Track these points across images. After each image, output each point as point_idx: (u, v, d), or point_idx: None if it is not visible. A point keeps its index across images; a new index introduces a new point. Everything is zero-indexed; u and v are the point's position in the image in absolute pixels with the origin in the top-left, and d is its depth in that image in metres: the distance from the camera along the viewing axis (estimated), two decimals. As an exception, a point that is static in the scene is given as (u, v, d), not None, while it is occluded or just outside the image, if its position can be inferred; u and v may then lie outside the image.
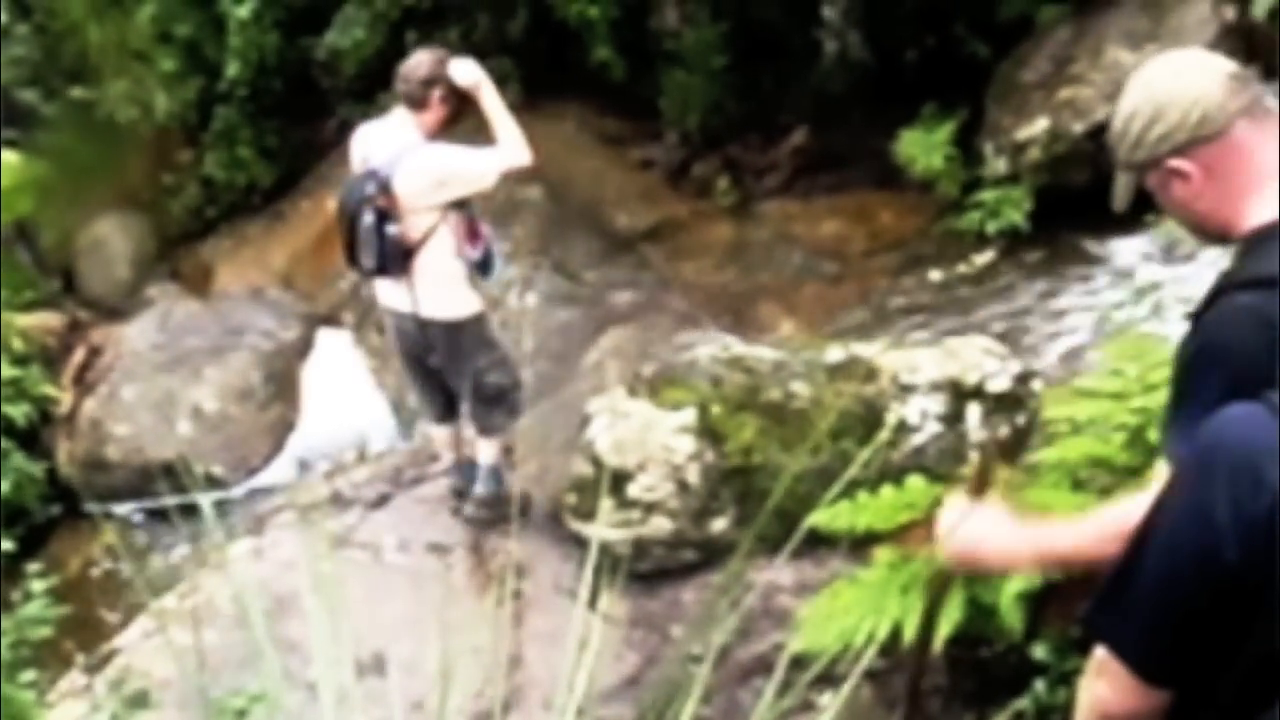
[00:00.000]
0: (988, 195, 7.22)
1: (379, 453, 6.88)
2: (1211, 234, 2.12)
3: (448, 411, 5.35)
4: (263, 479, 7.55)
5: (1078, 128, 7.07)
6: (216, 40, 9.56)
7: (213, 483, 7.36)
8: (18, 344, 7.77)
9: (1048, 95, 7.28)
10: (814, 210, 7.74)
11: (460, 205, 4.95)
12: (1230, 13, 7.10)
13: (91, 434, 7.77)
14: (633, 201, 8.53)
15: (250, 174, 9.92)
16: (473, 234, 4.99)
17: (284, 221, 9.75)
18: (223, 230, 9.99)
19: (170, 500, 7.43)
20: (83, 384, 8.10)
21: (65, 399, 7.99)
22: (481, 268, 5.02)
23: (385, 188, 4.75)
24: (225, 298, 9.02)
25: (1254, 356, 1.81)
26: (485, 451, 5.31)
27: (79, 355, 8.29)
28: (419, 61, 4.94)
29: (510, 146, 4.95)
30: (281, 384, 8.04)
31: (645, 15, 8.71)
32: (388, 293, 5.01)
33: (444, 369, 5.10)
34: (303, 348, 8.39)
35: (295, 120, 9.95)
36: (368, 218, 4.73)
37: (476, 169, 4.88)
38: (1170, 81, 2.06)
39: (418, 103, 4.87)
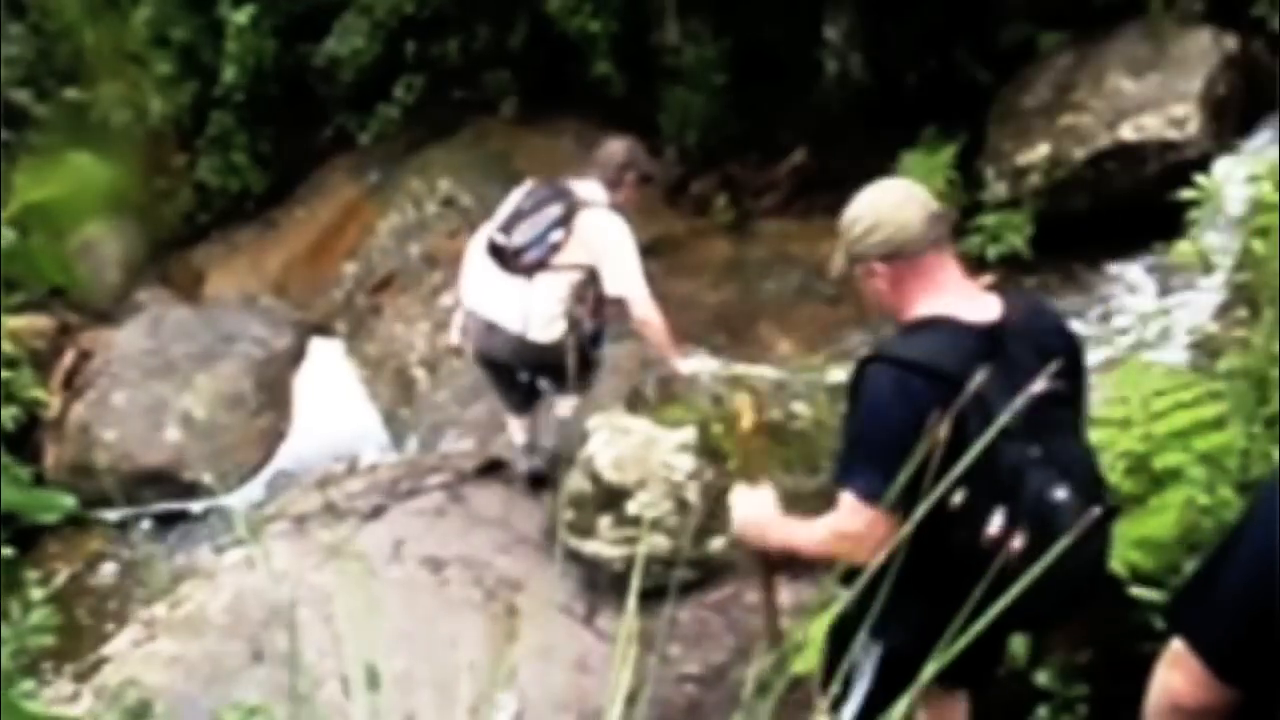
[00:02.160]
0: (988, 219, 7.21)
1: (373, 464, 6.83)
2: (885, 314, 2.88)
3: (526, 404, 5.59)
4: (252, 488, 7.49)
5: (1079, 154, 7.08)
6: (213, 45, 9.53)
7: (202, 491, 7.30)
8: (7, 346, 7.69)
9: (1049, 121, 7.28)
10: (812, 230, 7.70)
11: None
12: (1231, 43, 7.12)
13: (80, 439, 7.70)
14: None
15: (244, 180, 9.88)
16: (597, 309, 5.24)
17: (277, 229, 9.71)
18: (215, 236, 9.94)
19: (159, 507, 7.38)
20: (72, 388, 8.03)
21: (54, 403, 7.92)
22: (593, 339, 5.33)
23: (575, 208, 5.07)
24: (217, 304, 8.97)
25: (902, 422, 2.42)
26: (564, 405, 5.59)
27: (68, 359, 8.22)
28: (614, 150, 5.33)
29: (647, 302, 5.13)
30: (273, 392, 7.98)
31: (646, 31, 8.70)
32: (494, 308, 5.17)
33: (540, 384, 5.47)
34: (294, 356, 8.33)
35: (291, 127, 9.91)
36: (553, 209, 5.07)
37: (622, 274, 5.08)
38: (891, 207, 2.76)
39: (612, 185, 5.24)
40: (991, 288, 2.87)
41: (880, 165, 7.61)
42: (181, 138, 9.94)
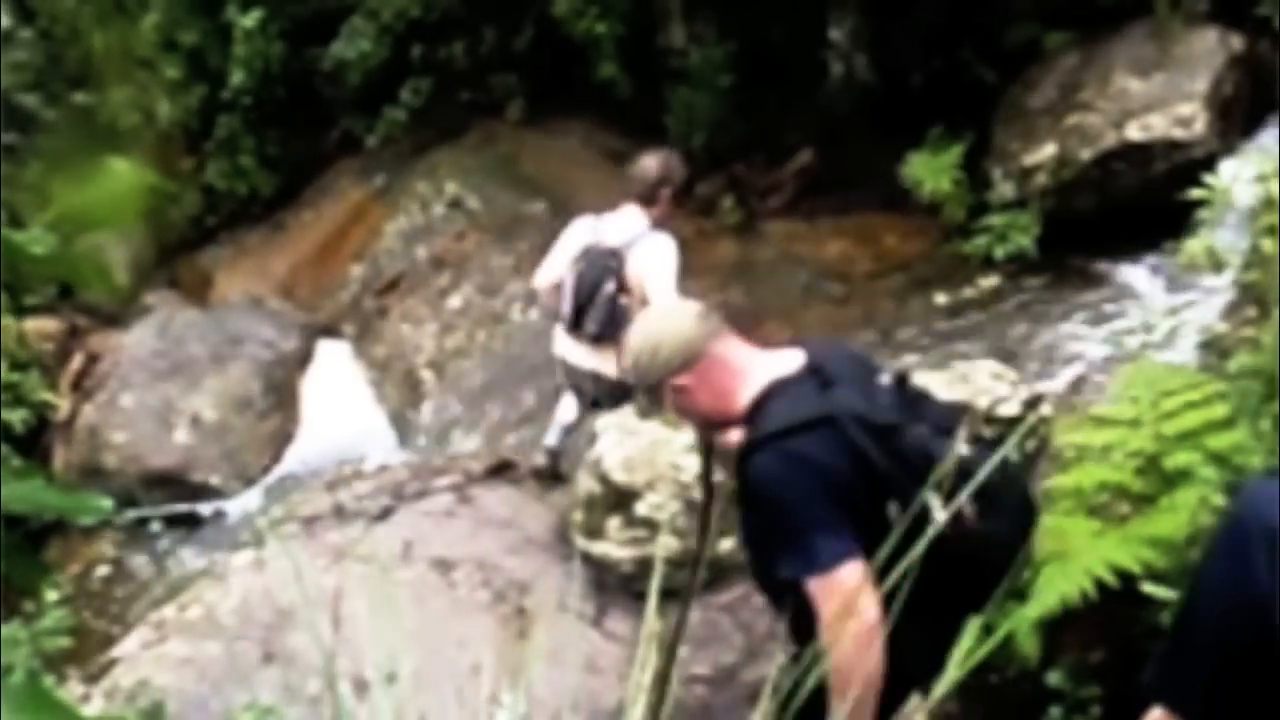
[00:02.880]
0: (995, 220, 7.21)
1: (381, 465, 6.84)
2: (718, 423, 2.89)
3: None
4: (262, 489, 7.51)
5: (1085, 154, 7.08)
6: (221, 49, 9.56)
7: (210, 492, 7.32)
8: (16, 349, 7.72)
9: (1055, 121, 7.29)
10: (819, 231, 7.73)
11: None
12: (1237, 42, 7.12)
13: (89, 441, 7.72)
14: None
15: (251, 183, 9.91)
16: None
17: (284, 231, 9.74)
18: (223, 239, 9.97)
19: (168, 509, 7.40)
20: (81, 390, 8.05)
21: (63, 405, 7.94)
22: None
23: (622, 264, 5.21)
24: (225, 307, 8.99)
25: (810, 488, 2.57)
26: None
27: (77, 362, 8.24)
28: (649, 165, 5.36)
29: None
30: (281, 394, 8.00)
31: (652, 33, 8.72)
32: (591, 359, 5.37)
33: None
34: (302, 358, 8.35)
35: (298, 130, 9.94)
36: (609, 287, 5.21)
37: (654, 291, 5.17)
38: (660, 326, 2.87)
39: (648, 200, 5.30)
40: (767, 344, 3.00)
41: (886, 166, 7.65)
42: (189, 141, 9.98)
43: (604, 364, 5.31)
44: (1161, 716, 1.99)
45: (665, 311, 3.02)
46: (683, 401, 2.87)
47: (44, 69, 9.82)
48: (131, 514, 7.25)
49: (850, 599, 2.51)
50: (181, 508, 7.44)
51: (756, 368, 2.83)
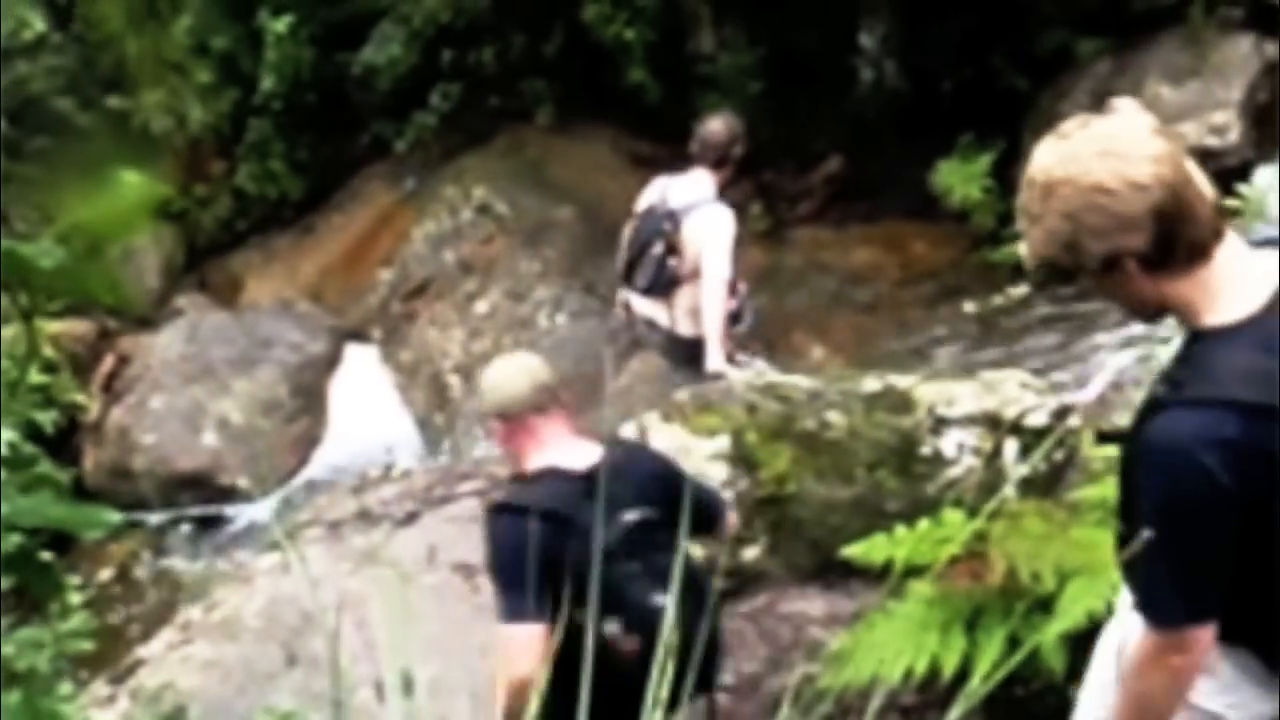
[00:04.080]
0: (1025, 228, 7.17)
1: (406, 469, 6.85)
2: (513, 464, 3.49)
3: None
4: (288, 492, 7.54)
5: (1117, 162, 7.03)
6: (252, 53, 9.61)
7: (238, 495, 7.35)
8: (47, 351, 7.78)
9: (1087, 129, 7.24)
10: (847, 238, 7.71)
11: None
12: (1272, 50, 7.07)
13: (118, 442, 7.77)
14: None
15: (282, 187, 9.95)
16: (730, 289, 5.61)
17: (314, 235, 9.78)
18: (253, 243, 10.01)
19: (196, 511, 7.44)
20: (111, 392, 8.11)
21: (93, 407, 8.00)
22: (733, 318, 5.69)
23: (677, 228, 5.47)
24: (254, 310, 9.03)
25: (513, 560, 3.07)
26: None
27: (107, 364, 8.30)
28: (717, 129, 5.62)
29: (716, 288, 5.53)
30: (308, 398, 8.03)
31: (682, 39, 8.72)
32: (647, 307, 5.74)
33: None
34: (330, 362, 8.38)
35: (328, 135, 9.98)
36: (657, 248, 5.51)
37: (718, 261, 5.48)
38: (508, 373, 3.40)
39: (718, 166, 5.57)
40: (594, 440, 3.46)
41: (915, 173, 7.62)
42: (220, 145, 10.03)
43: (657, 313, 5.70)
44: (1190, 634, 2.00)
45: (522, 365, 3.48)
46: (495, 437, 3.56)
47: (77, 73, 9.90)
48: (155, 518, 7.29)
49: (512, 652, 3.09)
50: (209, 510, 7.48)
51: (551, 449, 3.33)
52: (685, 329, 5.66)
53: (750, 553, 4.82)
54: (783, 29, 8.46)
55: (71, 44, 9.87)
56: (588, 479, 3.22)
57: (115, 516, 1.12)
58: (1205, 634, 2.00)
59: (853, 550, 4.07)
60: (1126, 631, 2.22)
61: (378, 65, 9.30)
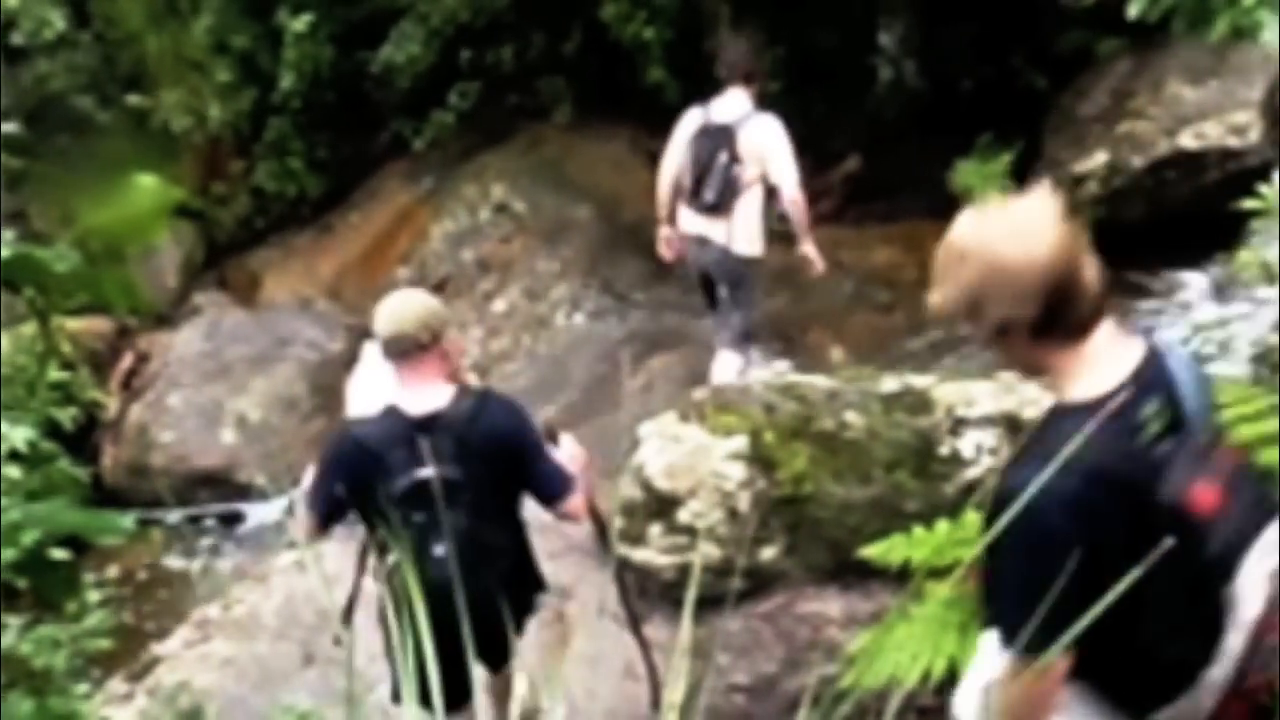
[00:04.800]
0: (1044, 228, 7.14)
1: (424, 468, 6.85)
2: None
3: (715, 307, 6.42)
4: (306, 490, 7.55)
5: (1137, 162, 6.99)
6: (271, 52, 9.63)
7: (256, 493, 7.37)
8: (66, 348, 7.81)
9: (1106, 128, 7.20)
10: (865, 238, 7.68)
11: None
12: (1295, 50, 7.00)
13: (137, 440, 7.80)
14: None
15: (300, 185, 9.98)
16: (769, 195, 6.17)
17: (332, 233, 9.80)
18: (271, 241, 10.04)
19: (214, 509, 7.46)
20: (130, 390, 8.14)
21: (112, 404, 8.03)
22: (781, 217, 6.27)
23: (734, 139, 5.93)
24: (272, 308, 9.06)
25: (335, 475, 3.65)
26: (730, 363, 6.30)
27: (127, 361, 8.34)
28: (738, 49, 6.25)
29: (797, 188, 6.05)
30: (326, 395, 8.03)
31: (700, 38, 8.69)
32: (703, 225, 6.11)
33: (725, 296, 6.28)
34: (348, 360, 8.32)
35: (347, 133, 10.00)
36: (723, 158, 5.94)
37: (787, 167, 6.00)
38: (386, 311, 3.68)
39: (749, 79, 6.06)
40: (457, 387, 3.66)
41: (934, 173, 7.59)
42: (240, 144, 10.05)
43: (714, 231, 6.06)
44: (1053, 664, 2.15)
45: (400, 306, 3.71)
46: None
47: (98, 71, 9.94)
48: (172, 516, 7.31)
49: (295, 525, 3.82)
50: (227, 508, 7.50)
51: (403, 391, 3.60)
52: (741, 247, 6.08)
53: (768, 553, 4.82)
54: (801, 28, 8.44)
55: (92, 42, 9.91)
56: (416, 425, 3.50)
57: (128, 522, 1.12)
58: (1061, 662, 2.19)
59: (871, 551, 4.06)
60: (989, 670, 2.42)
61: (397, 64, 9.31)
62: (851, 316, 7.33)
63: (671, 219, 6.29)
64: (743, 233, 6.07)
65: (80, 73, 9.93)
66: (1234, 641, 2.26)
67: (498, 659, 3.89)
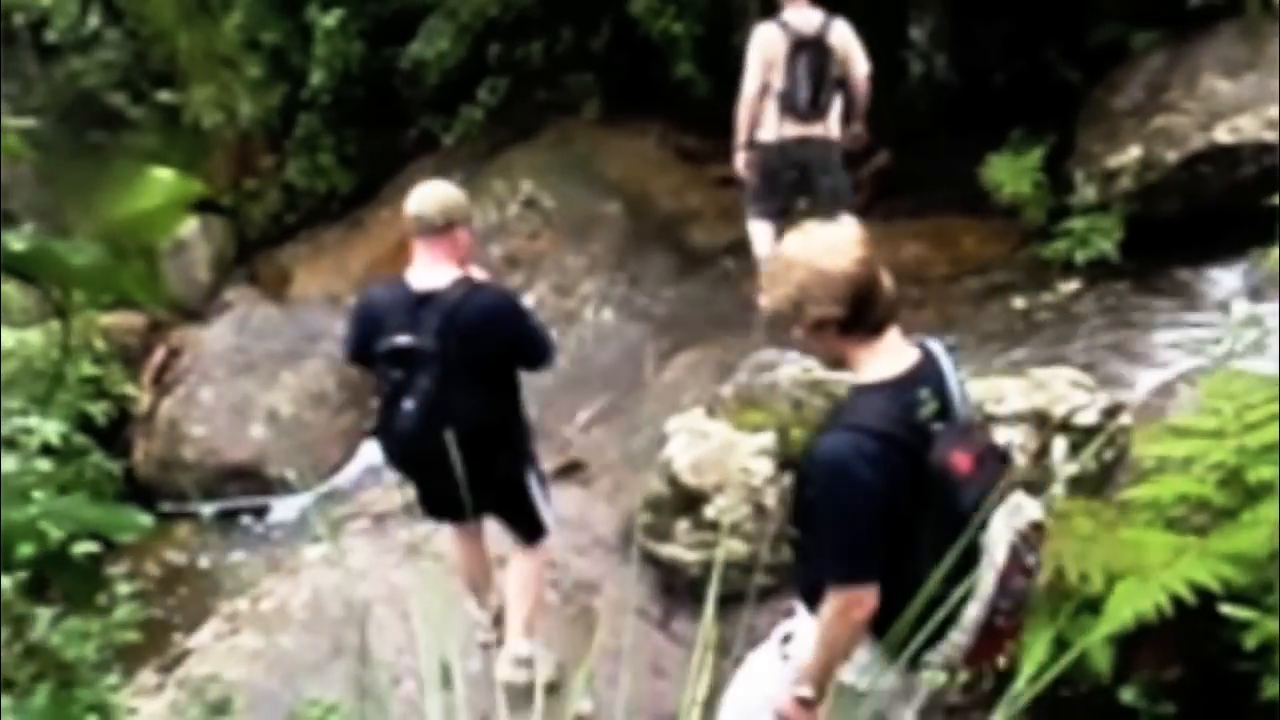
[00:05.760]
0: (1077, 223, 7.06)
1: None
2: None
3: (781, 215, 6.79)
4: (335, 485, 7.59)
5: (1171, 156, 6.92)
6: (302, 48, 9.66)
7: (285, 487, 7.41)
8: (99, 343, 7.88)
9: (1140, 123, 7.12)
10: (895, 233, 7.62)
11: None
12: (1331, 43, 6.91)
13: (169, 434, 7.86)
14: (711, 219, 8.48)
15: (330, 181, 10.01)
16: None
17: (362, 229, 9.82)
18: (302, 236, 10.08)
19: (244, 503, 7.50)
20: (161, 384, 8.20)
21: (144, 399, 8.09)
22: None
23: (825, 42, 6.54)
24: (302, 303, 9.10)
25: (350, 334, 4.37)
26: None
27: (158, 356, 8.39)
28: None
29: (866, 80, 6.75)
30: (356, 390, 8.07)
31: (729, 32, 8.66)
32: (803, 129, 6.62)
33: (828, 187, 6.77)
34: (377, 355, 8.41)
35: (376, 129, 10.02)
36: (823, 63, 6.54)
37: (863, 57, 6.68)
38: (416, 195, 4.24)
39: None
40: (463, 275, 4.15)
41: (965, 168, 7.53)
42: (270, 139, 10.11)
43: (813, 129, 6.62)
44: (853, 595, 2.76)
45: (425, 192, 4.20)
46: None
47: (130, 68, 10.02)
48: (208, 507, 7.37)
49: None
50: (257, 502, 7.55)
51: (413, 266, 4.14)
52: (838, 133, 6.73)
53: (794, 550, 4.79)
54: (831, 22, 8.38)
55: (124, 39, 9.98)
56: (417, 299, 4.05)
57: (148, 519, 1.12)
58: (871, 594, 2.76)
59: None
60: (792, 625, 3.10)
61: (426, 60, 9.33)
62: (880, 312, 7.28)
63: (750, 137, 6.73)
64: (835, 125, 6.72)
65: (113, 69, 10.01)
66: (987, 580, 2.75)
67: (475, 506, 4.00)
